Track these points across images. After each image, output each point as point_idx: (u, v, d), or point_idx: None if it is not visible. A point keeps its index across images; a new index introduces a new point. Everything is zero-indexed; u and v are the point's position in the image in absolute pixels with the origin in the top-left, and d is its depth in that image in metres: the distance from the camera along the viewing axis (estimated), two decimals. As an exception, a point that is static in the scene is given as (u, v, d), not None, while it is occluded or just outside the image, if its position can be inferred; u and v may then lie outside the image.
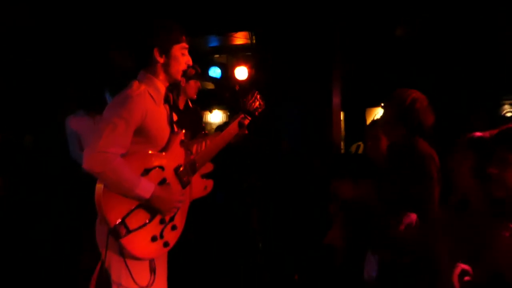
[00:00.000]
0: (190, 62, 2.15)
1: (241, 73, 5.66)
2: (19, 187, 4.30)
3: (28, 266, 3.85)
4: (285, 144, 3.88)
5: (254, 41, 5.13)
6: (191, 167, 2.20)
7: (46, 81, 4.94)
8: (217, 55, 6.74)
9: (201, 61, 3.64)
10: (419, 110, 2.34)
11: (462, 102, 5.35)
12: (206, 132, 2.45)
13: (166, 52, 2.06)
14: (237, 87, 2.47)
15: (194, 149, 2.34)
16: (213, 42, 6.24)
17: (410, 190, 2.28)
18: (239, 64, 5.74)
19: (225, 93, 3.42)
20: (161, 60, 2.06)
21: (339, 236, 2.94)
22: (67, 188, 4.07)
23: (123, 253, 1.97)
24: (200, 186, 2.30)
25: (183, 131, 2.22)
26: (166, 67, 2.08)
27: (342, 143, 5.69)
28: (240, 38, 5.75)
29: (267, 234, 4.01)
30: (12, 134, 4.51)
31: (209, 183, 2.35)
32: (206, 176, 2.39)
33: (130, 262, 1.99)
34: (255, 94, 2.49)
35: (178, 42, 2.09)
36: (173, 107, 3.13)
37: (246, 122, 2.45)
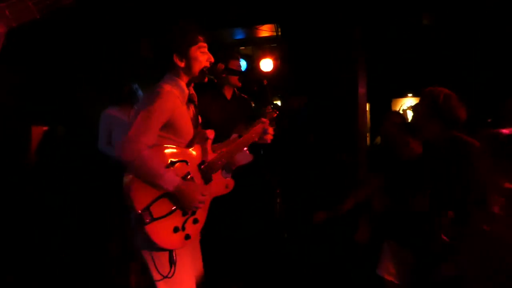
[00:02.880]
0: (212, 59, 2.26)
1: (267, 65, 5.68)
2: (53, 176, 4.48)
3: (57, 255, 4.00)
4: (312, 137, 3.91)
5: (279, 33, 5.13)
6: (213, 165, 2.29)
7: (80, 76, 5.10)
8: (242, 47, 6.77)
9: (227, 54, 3.69)
10: (454, 105, 2.43)
11: (491, 92, 5.24)
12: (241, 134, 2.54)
13: (184, 55, 2.19)
14: (265, 82, 2.54)
15: (218, 148, 2.41)
16: (239, 34, 6.28)
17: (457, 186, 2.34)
18: (264, 56, 5.77)
19: (253, 87, 3.48)
20: (181, 64, 2.20)
21: (366, 237, 3.01)
22: (96, 178, 4.21)
23: (148, 243, 2.08)
24: (222, 184, 2.38)
25: (209, 130, 2.32)
26: (188, 69, 2.21)
27: (368, 135, 5.66)
28: (265, 31, 5.76)
29: (292, 225, 4.05)
30: (54, 126, 4.71)
31: (230, 182, 2.42)
32: (236, 171, 2.50)
33: (154, 253, 2.12)
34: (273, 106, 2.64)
35: (195, 43, 2.21)
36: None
37: (269, 129, 2.52)
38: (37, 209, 4.27)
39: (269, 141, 2.55)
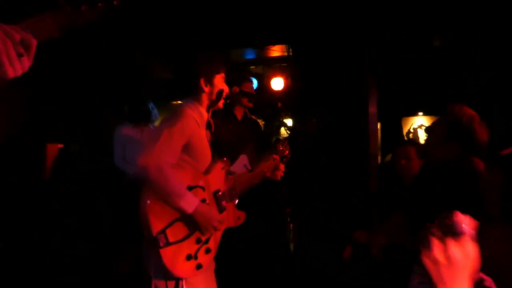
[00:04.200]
0: (227, 90, 2.36)
1: (278, 84, 5.75)
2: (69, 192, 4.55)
3: (66, 269, 4.02)
4: (324, 160, 3.91)
5: (290, 54, 5.20)
6: (230, 194, 2.31)
7: (94, 94, 5.20)
8: (253, 66, 6.85)
9: (240, 76, 3.75)
10: (477, 129, 2.23)
11: (502, 112, 5.23)
12: (249, 169, 2.59)
13: (210, 82, 2.27)
14: (279, 104, 2.60)
15: (233, 179, 2.42)
16: (250, 54, 6.37)
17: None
18: (275, 75, 5.84)
19: (268, 110, 3.53)
20: (206, 89, 2.26)
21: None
22: (108, 196, 4.26)
23: (160, 268, 2.06)
24: (234, 215, 2.38)
25: (225, 158, 2.35)
26: (210, 94, 2.29)
27: (379, 154, 5.66)
28: (276, 51, 5.85)
29: (301, 244, 4.04)
30: (69, 144, 4.80)
31: (242, 215, 2.43)
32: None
33: (164, 282, 2.09)
34: (285, 143, 2.68)
35: (219, 72, 2.30)
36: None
37: (280, 165, 2.59)
38: (50, 226, 4.31)
39: (279, 178, 2.59)
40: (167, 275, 2.07)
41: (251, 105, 3.57)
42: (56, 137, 4.81)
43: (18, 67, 0.88)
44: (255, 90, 6.01)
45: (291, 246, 4.12)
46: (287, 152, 2.66)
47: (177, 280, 2.08)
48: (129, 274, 3.63)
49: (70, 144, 4.97)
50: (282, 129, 4.90)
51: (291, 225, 4.07)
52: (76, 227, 4.39)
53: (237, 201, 2.48)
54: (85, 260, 4.08)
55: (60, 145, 4.75)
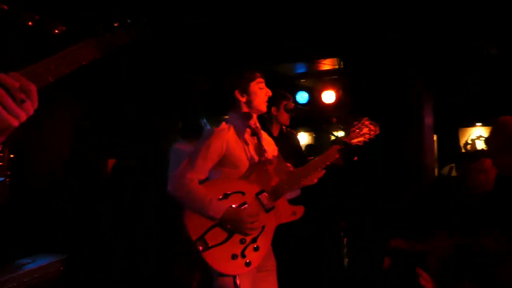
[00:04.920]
0: (270, 93, 2.43)
1: (328, 97, 5.73)
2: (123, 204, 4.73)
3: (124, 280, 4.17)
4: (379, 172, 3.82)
5: (341, 66, 5.17)
6: (275, 193, 2.35)
7: (151, 113, 5.40)
8: (303, 80, 6.87)
9: (289, 87, 3.76)
10: None
11: None
12: (311, 158, 2.56)
13: (246, 91, 2.38)
14: (334, 120, 2.60)
15: (280, 175, 2.45)
16: (300, 68, 6.39)
17: None
18: (326, 88, 5.82)
19: (322, 125, 3.51)
20: (243, 99, 2.38)
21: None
22: (164, 206, 4.39)
23: (209, 268, 2.20)
24: (288, 211, 2.42)
25: (269, 159, 2.43)
26: (249, 103, 2.39)
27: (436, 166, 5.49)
28: (327, 64, 5.83)
29: (355, 258, 3.98)
30: (122, 159, 5.01)
31: (299, 209, 2.44)
32: (294, 201, 2.52)
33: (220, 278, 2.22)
34: (363, 121, 2.65)
35: (253, 79, 2.39)
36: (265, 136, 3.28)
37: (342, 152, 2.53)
38: (109, 234, 4.49)
39: (341, 162, 2.55)
40: (218, 272, 2.22)
41: (287, 123, 3.56)
42: (115, 153, 5.03)
43: (20, 114, 0.89)
44: (306, 103, 6.05)
45: (345, 261, 4.07)
46: (367, 129, 2.62)
47: (233, 277, 2.21)
48: (181, 278, 3.72)
49: (128, 159, 5.19)
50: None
51: (345, 240, 4.02)
52: (132, 236, 4.55)
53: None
54: (141, 267, 4.23)
55: (115, 160, 4.97)
